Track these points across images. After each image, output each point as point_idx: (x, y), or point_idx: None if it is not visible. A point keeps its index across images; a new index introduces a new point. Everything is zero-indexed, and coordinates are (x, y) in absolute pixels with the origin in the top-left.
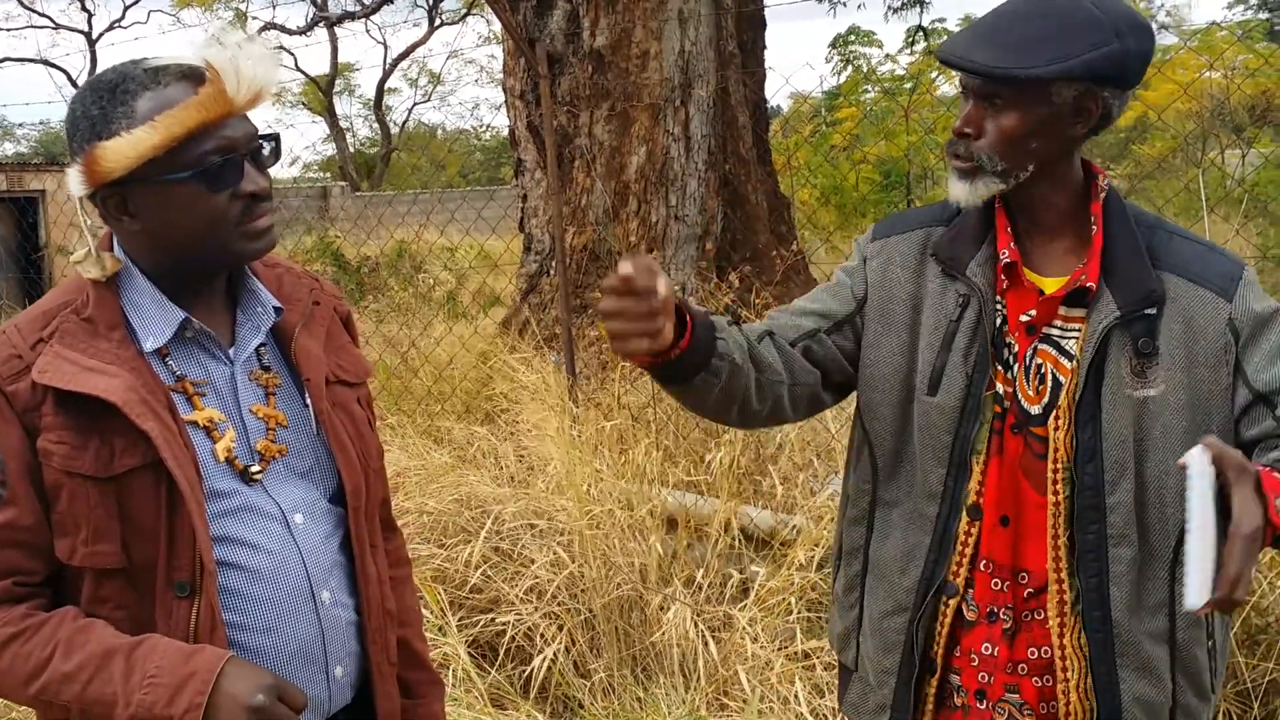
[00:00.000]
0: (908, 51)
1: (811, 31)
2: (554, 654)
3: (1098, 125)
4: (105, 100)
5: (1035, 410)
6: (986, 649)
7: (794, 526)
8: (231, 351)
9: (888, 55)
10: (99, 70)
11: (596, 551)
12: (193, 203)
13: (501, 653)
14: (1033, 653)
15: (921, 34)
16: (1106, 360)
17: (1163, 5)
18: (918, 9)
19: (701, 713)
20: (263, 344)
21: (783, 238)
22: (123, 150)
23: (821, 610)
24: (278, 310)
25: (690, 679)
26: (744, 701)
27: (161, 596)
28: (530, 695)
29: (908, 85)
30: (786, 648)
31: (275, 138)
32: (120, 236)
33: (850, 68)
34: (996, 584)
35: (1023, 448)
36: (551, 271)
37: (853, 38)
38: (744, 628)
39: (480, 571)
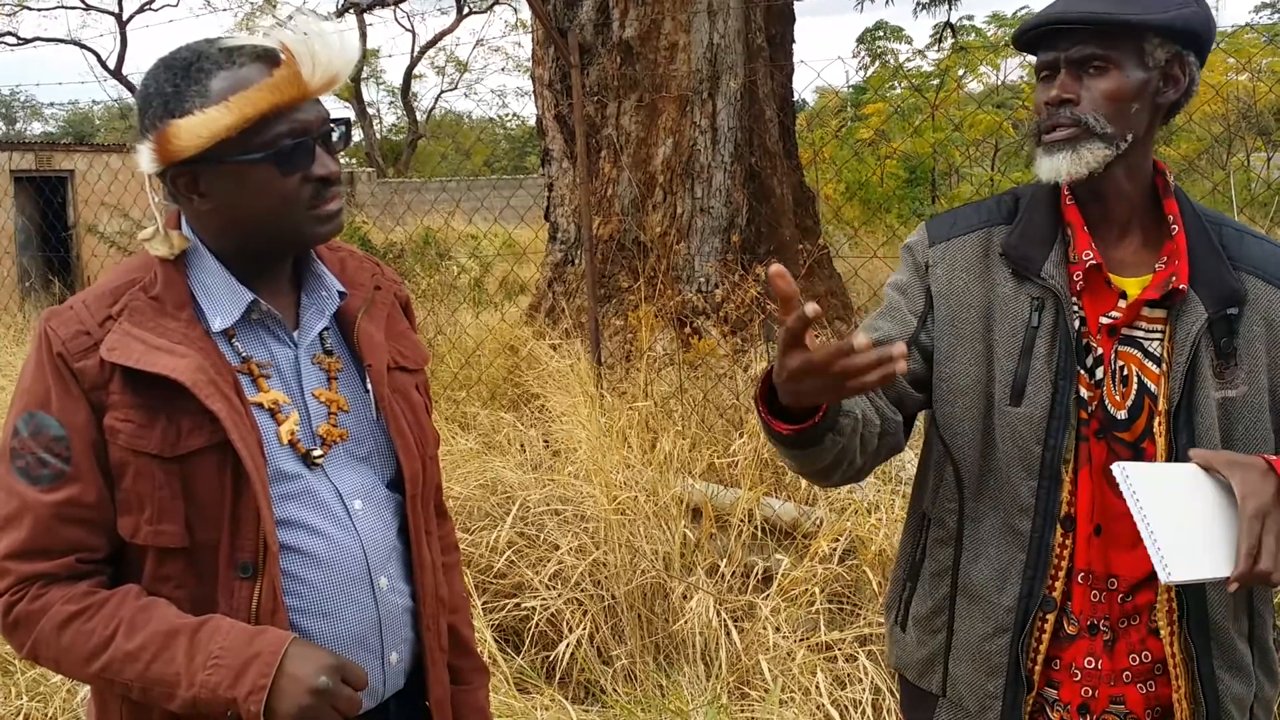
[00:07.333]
0: (936, 48)
1: (839, 26)
2: (577, 639)
3: (1183, 97)
4: (179, 78)
5: (1120, 415)
6: (1089, 663)
7: (817, 519)
8: (295, 334)
9: (916, 51)
10: (174, 48)
11: (621, 538)
12: (264, 184)
13: (526, 637)
14: (1134, 659)
15: (949, 30)
16: (1197, 362)
17: None
18: (946, 5)
19: (723, 701)
20: (325, 328)
21: (808, 231)
22: (195, 129)
23: (844, 602)
24: (341, 295)
25: (712, 667)
26: (765, 691)
27: (224, 577)
28: (554, 680)
29: (935, 82)
30: (809, 638)
31: (346, 122)
32: (189, 215)
33: (878, 63)
34: (1095, 595)
35: (1107, 453)
36: (576, 260)
37: (880, 33)
38: (766, 617)
39: (505, 557)
